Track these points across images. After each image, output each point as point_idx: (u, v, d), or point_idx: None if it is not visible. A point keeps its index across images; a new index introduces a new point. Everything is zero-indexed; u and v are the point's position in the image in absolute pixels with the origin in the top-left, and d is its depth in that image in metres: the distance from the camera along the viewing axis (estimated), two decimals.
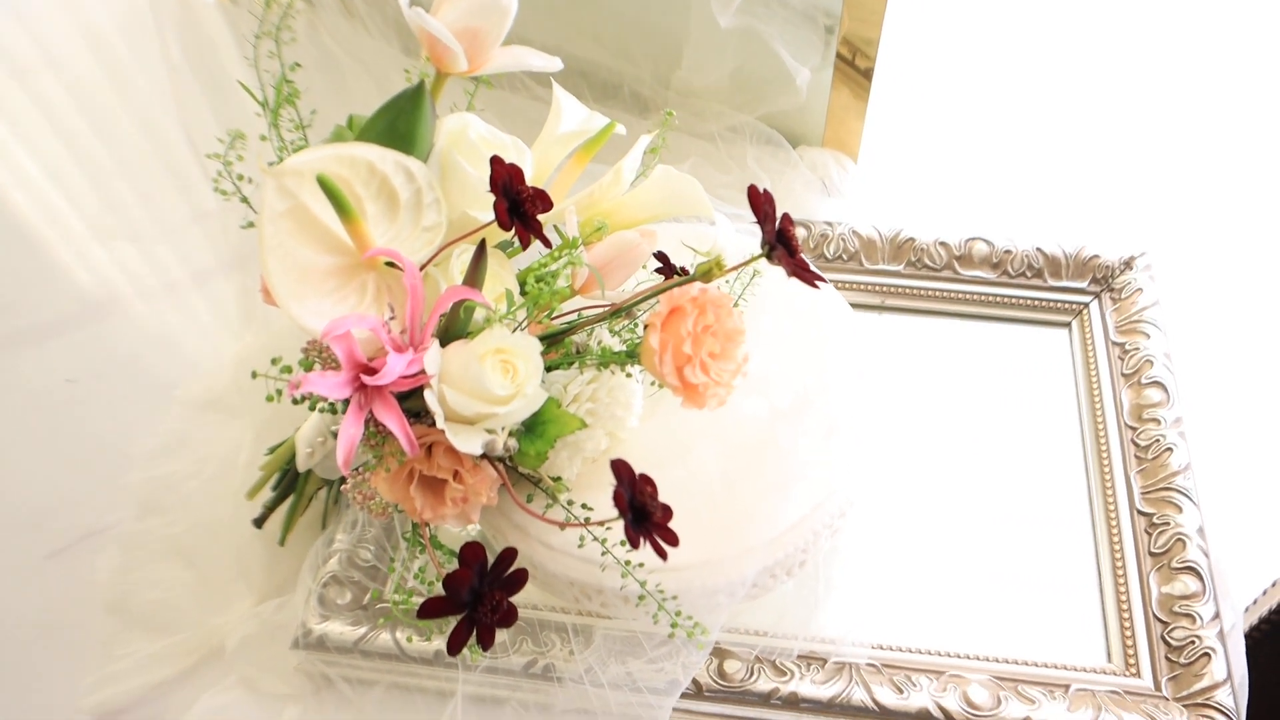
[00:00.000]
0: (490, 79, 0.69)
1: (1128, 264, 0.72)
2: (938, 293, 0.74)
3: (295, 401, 0.44)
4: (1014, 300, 0.73)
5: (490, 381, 0.43)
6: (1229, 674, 0.54)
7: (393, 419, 0.42)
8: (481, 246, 0.46)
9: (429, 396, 0.42)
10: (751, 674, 0.56)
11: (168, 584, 0.63)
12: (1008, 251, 0.73)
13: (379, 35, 0.91)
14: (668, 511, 0.42)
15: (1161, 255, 0.72)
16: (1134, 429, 0.65)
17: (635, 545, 0.40)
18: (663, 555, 0.42)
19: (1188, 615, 0.56)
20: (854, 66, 0.76)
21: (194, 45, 0.96)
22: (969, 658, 0.57)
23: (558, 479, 0.48)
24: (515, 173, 0.46)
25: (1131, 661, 0.57)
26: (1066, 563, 0.62)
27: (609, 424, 0.49)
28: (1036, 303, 0.73)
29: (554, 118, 0.58)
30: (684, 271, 0.51)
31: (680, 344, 0.44)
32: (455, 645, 0.41)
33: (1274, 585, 0.59)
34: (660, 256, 0.53)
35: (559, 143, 0.57)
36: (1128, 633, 0.58)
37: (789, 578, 0.54)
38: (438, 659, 0.57)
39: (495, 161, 0.45)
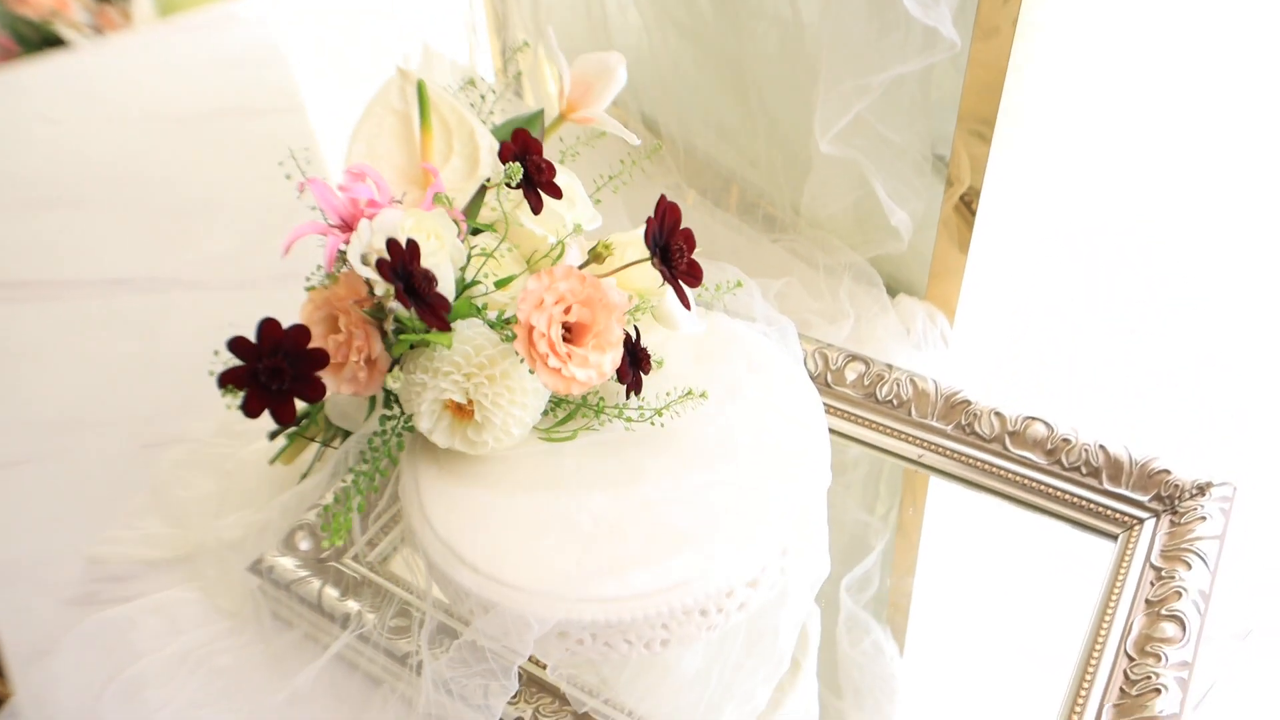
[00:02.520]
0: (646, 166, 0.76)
1: (1201, 489, 0.63)
2: (980, 463, 0.69)
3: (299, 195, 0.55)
4: (1060, 494, 0.66)
5: (406, 232, 0.50)
6: None
7: (333, 244, 0.53)
8: (482, 188, 0.57)
9: (363, 224, 0.50)
10: None
11: (197, 488, 0.73)
12: (1066, 440, 0.67)
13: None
14: (441, 302, 0.48)
15: (1249, 491, 0.62)
16: (1131, 659, 0.56)
17: (406, 304, 0.48)
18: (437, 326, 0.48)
19: None
20: (971, 218, 0.75)
21: None
22: None
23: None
24: (532, 144, 0.55)
25: None
26: None
27: (478, 393, 0.52)
28: (1084, 504, 0.66)
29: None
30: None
31: (543, 295, 0.48)
32: (250, 408, 0.48)
33: None
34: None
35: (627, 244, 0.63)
36: None
37: (648, 650, 0.52)
38: (342, 621, 0.61)
39: (521, 132, 0.54)
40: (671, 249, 0.51)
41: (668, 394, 0.57)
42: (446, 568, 0.53)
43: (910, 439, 0.71)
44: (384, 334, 0.55)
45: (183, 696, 0.60)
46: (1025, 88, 0.66)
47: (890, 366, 0.73)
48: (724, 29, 0.89)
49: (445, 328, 0.50)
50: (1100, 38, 0.63)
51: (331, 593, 0.63)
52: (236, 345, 0.49)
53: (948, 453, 0.70)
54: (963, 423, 0.70)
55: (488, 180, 0.58)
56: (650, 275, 0.59)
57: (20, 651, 0.65)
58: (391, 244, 0.48)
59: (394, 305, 0.53)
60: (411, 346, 0.54)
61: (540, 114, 0.64)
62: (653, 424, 0.57)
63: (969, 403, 0.70)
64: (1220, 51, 0.61)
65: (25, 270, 1.01)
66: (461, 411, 0.55)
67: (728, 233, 0.92)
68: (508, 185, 0.54)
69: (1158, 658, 0.55)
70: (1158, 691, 0.53)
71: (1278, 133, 0.61)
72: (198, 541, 0.69)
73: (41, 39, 1.63)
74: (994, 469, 0.69)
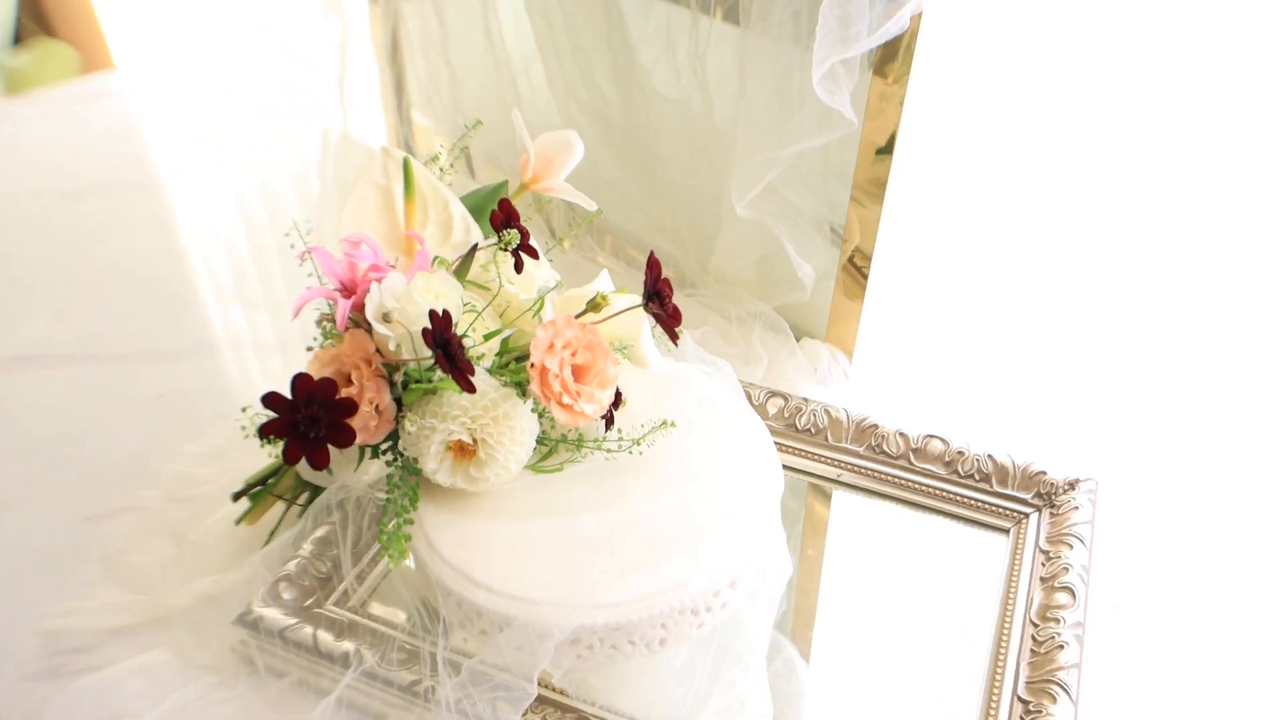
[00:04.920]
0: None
1: (1072, 485, 0.76)
2: (890, 478, 0.80)
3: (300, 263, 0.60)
4: (959, 498, 0.78)
5: (416, 293, 0.56)
6: None
7: (345, 304, 0.57)
8: (472, 249, 0.62)
9: (374, 287, 0.56)
10: None
11: (153, 554, 0.74)
12: (960, 453, 0.79)
13: None
14: (468, 366, 0.54)
15: (1110, 480, 0.76)
16: (1035, 625, 0.67)
17: (444, 368, 0.53)
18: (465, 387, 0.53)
19: None
20: (860, 271, 0.88)
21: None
22: None
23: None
24: (514, 213, 0.63)
25: None
26: None
27: (483, 432, 0.58)
28: (979, 504, 0.78)
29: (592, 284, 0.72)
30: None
31: (553, 341, 0.55)
32: (290, 456, 0.53)
33: None
34: None
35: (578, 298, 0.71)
36: None
37: (648, 650, 0.59)
38: (342, 660, 0.65)
39: (505, 203, 0.61)
40: (662, 295, 0.59)
41: (641, 425, 0.65)
42: (461, 591, 0.58)
43: (829, 461, 0.82)
44: (391, 385, 0.60)
45: None
46: (908, 160, 0.79)
47: (806, 400, 0.84)
48: (628, 110, 0.99)
49: (472, 389, 0.56)
50: (972, 118, 0.77)
51: (326, 635, 0.66)
52: (272, 400, 0.53)
53: (862, 471, 0.81)
54: (873, 444, 0.81)
55: (477, 244, 0.65)
56: (627, 324, 0.67)
57: None
58: (433, 315, 0.54)
59: (410, 360, 0.59)
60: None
61: (504, 184, 0.71)
62: (630, 453, 0.64)
63: (877, 426, 0.81)
64: (1075, 125, 0.76)
65: None
66: (463, 452, 0.61)
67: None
68: (504, 250, 0.61)
69: (1057, 621, 0.67)
70: (1061, 648, 0.65)
71: (1128, 165, 0.77)
72: (171, 603, 0.70)
73: None
74: (902, 482, 0.80)
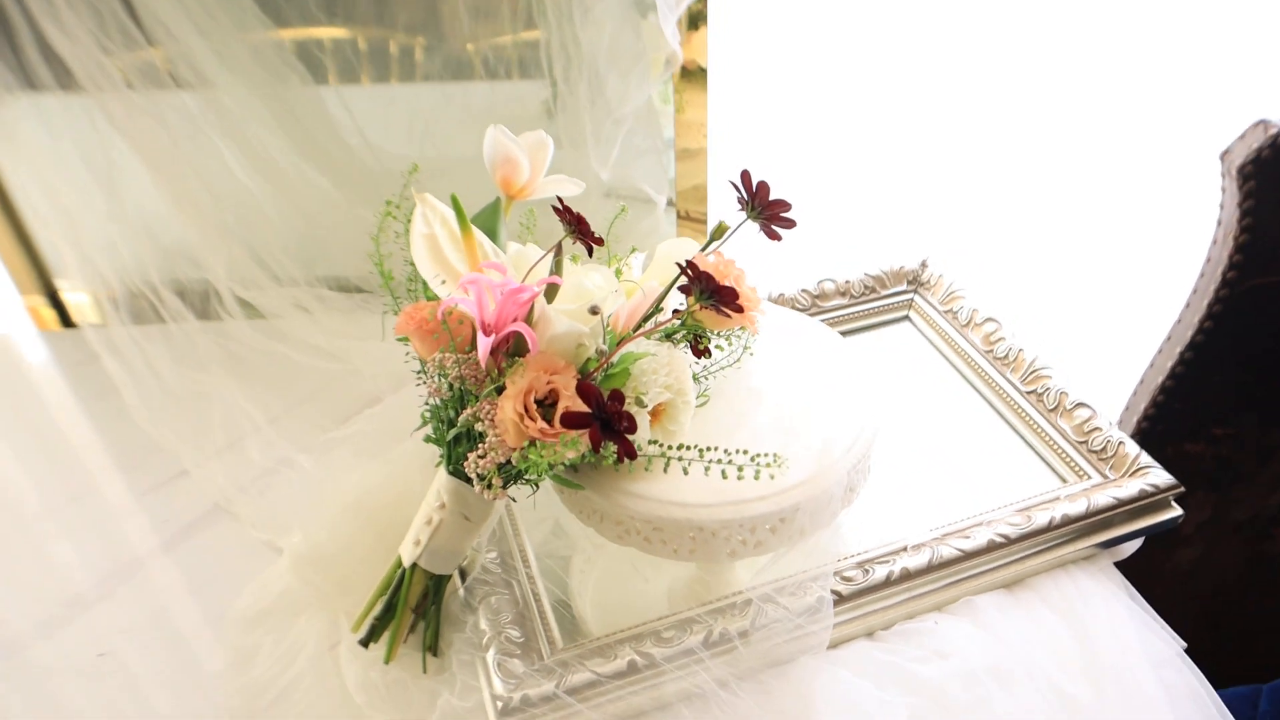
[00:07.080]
0: None
1: (923, 265, 1.01)
2: None
3: (443, 322, 0.60)
4: (863, 314, 0.99)
5: (586, 281, 0.60)
6: (1140, 448, 0.78)
7: (520, 327, 0.58)
8: (558, 246, 0.65)
9: (540, 301, 0.59)
10: (867, 573, 0.70)
11: None
12: (848, 282, 0.99)
13: None
14: (631, 423, 0.58)
15: (935, 255, 1.03)
16: (990, 351, 0.91)
17: (596, 449, 0.56)
18: (631, 455, 0.58)
19: (1095, 429, 0.80)
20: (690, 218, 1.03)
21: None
22: (992, 510, 0.76)
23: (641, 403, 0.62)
24: (582, 221, 0.66)
25: (1081, 472, 0.79)
26: (1006, 449, 0.84)
27: (679, 383, 0.64)
28: (879, 309, 0.99)
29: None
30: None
31: (717, 272, 0.63)
32: (625, 453, 0.56)
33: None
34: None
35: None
36: (1067, 460, 0.80)
37: (867, 480, 0.70)
38: (631, 669, 0.65)
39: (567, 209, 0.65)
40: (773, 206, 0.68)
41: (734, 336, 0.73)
42: (728, 516, 0.63)
43: None
44: None
45: None
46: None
47: None
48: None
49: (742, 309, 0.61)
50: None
51: (599, 663, 0.65)
52: (575, 419, 0.53)
53: None
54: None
55: (561, 241, 0.66)
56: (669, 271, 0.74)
57: None
58: (692, 265, 0.59)
59: (601, 348, 0.61)
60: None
61: (497, 202, 0.71)
62: (739, 355, 0.73)
63: (783, 294, 0.98)
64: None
65: None
66: (654, 415, 0.64)
67: None
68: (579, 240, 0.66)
69: (1002, 339, 0.91)
70: (1021, 350, 0.89)
71: None
72: None
73: None
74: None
